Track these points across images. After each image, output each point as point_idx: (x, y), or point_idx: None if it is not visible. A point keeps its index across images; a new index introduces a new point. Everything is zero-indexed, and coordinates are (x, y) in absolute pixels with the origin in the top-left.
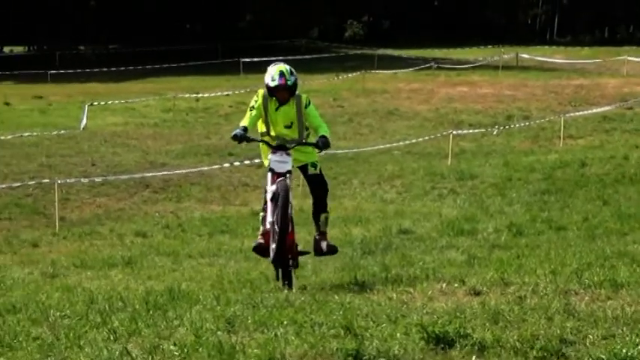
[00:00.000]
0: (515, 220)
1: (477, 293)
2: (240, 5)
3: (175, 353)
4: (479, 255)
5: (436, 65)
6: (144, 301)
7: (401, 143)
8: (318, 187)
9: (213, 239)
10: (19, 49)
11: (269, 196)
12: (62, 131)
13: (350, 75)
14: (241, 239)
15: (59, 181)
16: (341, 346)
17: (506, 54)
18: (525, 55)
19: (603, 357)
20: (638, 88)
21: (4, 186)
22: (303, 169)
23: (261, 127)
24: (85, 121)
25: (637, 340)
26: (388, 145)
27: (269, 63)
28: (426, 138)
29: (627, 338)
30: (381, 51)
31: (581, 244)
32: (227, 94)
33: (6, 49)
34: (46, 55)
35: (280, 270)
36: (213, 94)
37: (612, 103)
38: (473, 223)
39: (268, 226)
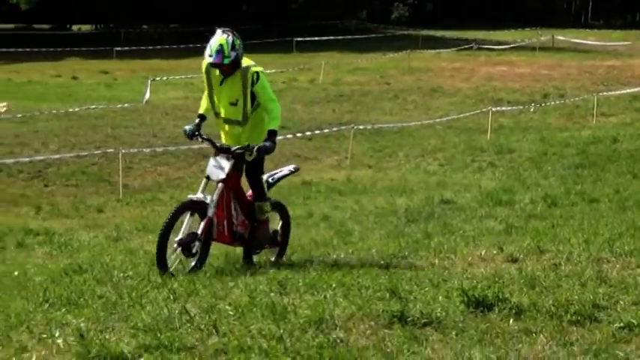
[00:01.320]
0: (550, 192)
1: (515, 260)
2: None
3: (230, 313)
4: (516, 224)
5: (477, 46)
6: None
7: (443, 119)
8: (252, 171)
9: None
10: (86, 28)
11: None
12: (126, 104)
13: (396, 54)
14: (293, 207)
15: (123, 151)
16: (386, 307)
17: (543, 36)
18: (561, 37)
19: (634, 321)
20: None
21: (72, 155)
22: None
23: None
24: (147, 95)
25: None
26: (431, 121)
27: (320, 42)
28: (467, 114)
29: None
30: (425, 32)
31: (612, 215)
32: (280, 72)
33: (74, 27)
34: (112, 33)
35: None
36: (267, 71)
37: None
38: (510, 195)
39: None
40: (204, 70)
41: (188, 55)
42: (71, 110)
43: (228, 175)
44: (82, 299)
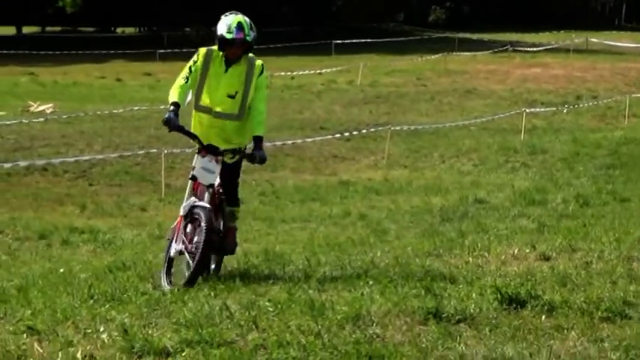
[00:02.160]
0: (582, 191)
1: (547, 258)
2: None
3: (270, 309)
4: (548, 223)
5: (512, 48)
6: (242, 261)
7: (478, 120)
8: (229, 175)
9: (305, 206)
10: (130, 30)
11: (183, 211)
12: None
13: (433, 57)
14: (330, 206)
15: (165, 151)
16: (421, 304)
17: (577, 38)
18: (595, 39)
19: None
20: None
21: (115, 155)
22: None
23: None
24: (189, 97)
25: None
26: (466, 122)
27: (358, 45)
28: (501, 115)
29: None
30: (461, 34)
31: None
32: (319, 73)
33: (118, 30)
34: (155, 36)
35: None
36: (306, 72)
37: None
38: (543, 194)
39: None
40: (201, 57)
41: None
42: (115, 111)
43: (214, 182)
44: (125, 295)
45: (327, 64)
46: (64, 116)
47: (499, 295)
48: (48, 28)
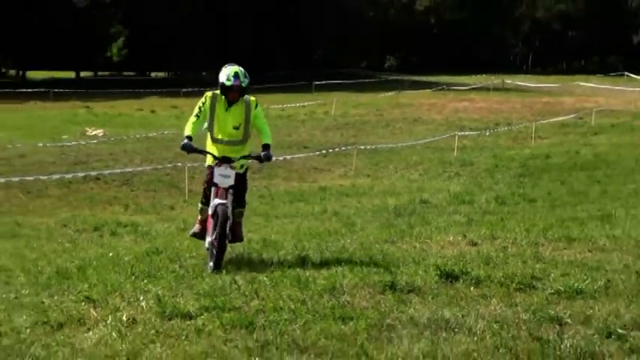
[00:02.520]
0: (500, 194)
1: (474, 244)
2: (312, 45)
3: (267, 282)
4: (475, 218)
5: (447, 87)
6: (246, 247)
7: (422, 141)
8: (240, 184)
9: (293, 205)
10: (161, 74)
11: (210, 211)
12: None
13: (388, 93)
14: (312, 205)
15: (188, 164)
16: (381, 279)
17: (495, 80)
18: (509, 80)
19: (561, 288)
20: (586, 104)
21: (150, 167)
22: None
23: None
24: (206, 124)
25: (584, 277)
26: (414, 142)
27: (333, 85)
28: (439, 137)
29: (578, 276)
30: (409, 77)
31: (545, 211)
32: (303, 106)
33: (152, 74)
34: (179, 79)
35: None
36: (293, 105)
37: (569, 114)
38: (471, 196)
39: (210, 226)
40: (208, 99)
41: None
42: (150, 135)
43: (233, 184)
44: (159, 273)
45: (309, 99)
46: (112, 139)
47: (439, 272)
48: (100, 73)
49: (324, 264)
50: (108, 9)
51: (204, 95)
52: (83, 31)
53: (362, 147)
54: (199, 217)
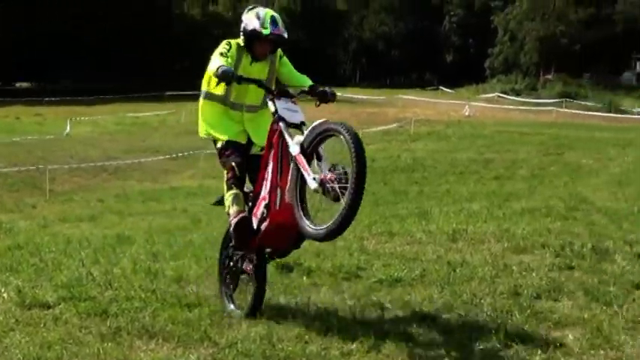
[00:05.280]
0: None
1: None
2: (176, 56)
3: (121, 274)
4: None
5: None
6: (102, 242)
7: None
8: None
9: (146, 204)
10: (25, 84)
11: (297, 149)
12: (52, 136)
13: None
14: (163, 204)
15: (49, 167)
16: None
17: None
18: (340, 93)
19: (383, 277)
20: (407, 114)
21: (15, 169)
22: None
23: (217, 89)
24: (68, 129)
25: (403, 267)
26: None
27: (185, 95)
28: None
29: (397, 266)
30: None
31: (369, 208)
32: (156, 114)
33: (17, 84)
34: (43, 88)
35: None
36: (147, 114)
37: (391, 123)
38: None
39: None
40: (234, 47)
41: (100, 103)
42: (14, 139)
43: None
44: (20, 267)
45: (161, 108)
46: None
47: (276, 264)
48: None
49: (173, 257)
50: None
51: (229, 42)
52: None
53: (207, 151)
54: (235, 208)
